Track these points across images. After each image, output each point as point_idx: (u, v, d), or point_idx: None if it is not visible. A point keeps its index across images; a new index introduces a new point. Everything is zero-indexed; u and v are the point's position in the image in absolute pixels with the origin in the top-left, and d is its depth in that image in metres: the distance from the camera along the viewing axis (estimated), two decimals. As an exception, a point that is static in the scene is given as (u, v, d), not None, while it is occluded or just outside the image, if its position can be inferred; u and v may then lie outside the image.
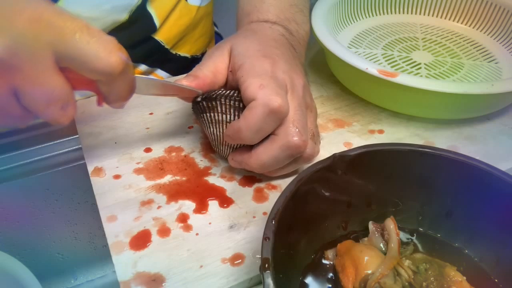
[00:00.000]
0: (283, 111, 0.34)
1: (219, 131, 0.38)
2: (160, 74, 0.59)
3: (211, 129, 0.39)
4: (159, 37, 0.55)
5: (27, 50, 0.27)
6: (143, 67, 0.57)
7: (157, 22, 0.54)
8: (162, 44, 0.56)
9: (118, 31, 0.51)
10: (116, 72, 0.30)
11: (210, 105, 0.37)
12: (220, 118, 0.37)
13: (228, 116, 0.37)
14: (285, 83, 0.37)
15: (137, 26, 0.52)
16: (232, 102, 0.37)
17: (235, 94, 0.37)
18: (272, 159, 0.36)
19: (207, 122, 0.38)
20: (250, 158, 0.37)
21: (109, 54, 0.29)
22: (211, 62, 0.39)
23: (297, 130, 0.35)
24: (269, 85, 0.35)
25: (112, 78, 0.30)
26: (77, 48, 0.28)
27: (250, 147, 0.37)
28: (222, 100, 0.37)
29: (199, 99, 0.38)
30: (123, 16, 0.50)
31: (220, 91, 0.38)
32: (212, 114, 0.38)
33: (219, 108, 0.37)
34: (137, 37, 0.53)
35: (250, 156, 0.37)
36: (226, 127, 0.37)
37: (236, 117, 0.37)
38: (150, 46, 0.55)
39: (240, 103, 0.37)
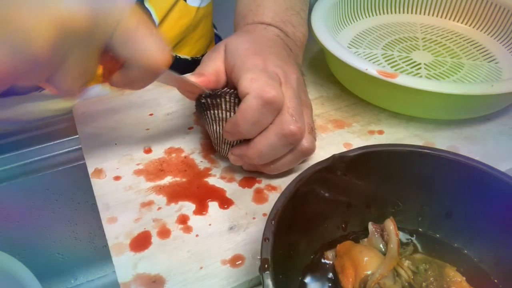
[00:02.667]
0: (278, 101, 0.35)
1: (222, 129, 0.38)
2: None
3: (214, 127, 0.39)
4: None
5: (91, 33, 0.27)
6: None
7: (156, 19, 0.54)
8: None
9: None
10: (163, 68, 0.32)
11: (214, 102, 0.38)
12: (224, 115, 0.38)
13: (232, 113, 0.37)
14: (277, 75, 0.37)
15: None
16: (237, 100, 0.37)
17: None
18: (269, 148, 0.36)
19: (210, 119, 0.39)
20: (248, 149, 0.37)
21: (163, 51, 0.31)
22: (211, 62, 0.39)
23: (292, 117, 0.36)
24: (260, 78, 0.35)
25: (152, 69, 0.32)
26: (136, 40, 0.30)
27: (249, 142, 0.38)
28: (227, 97, 0.37)
29: (203, 96, 0.38)
30: None
31: (224, 89, 0.38)
32: (216, 112, 0.38)
33: (223, 106, 0.37)
34: None
35: (248, 147, 0.37)
36: None
37: None
38: None
39: None
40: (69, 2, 0.26)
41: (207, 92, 0.38)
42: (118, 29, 0.29)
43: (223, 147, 0.40)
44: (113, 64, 0.32)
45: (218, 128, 0.39)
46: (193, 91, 0.39)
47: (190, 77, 0.38)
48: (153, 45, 0.31)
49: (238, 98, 0.37)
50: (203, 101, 0.38)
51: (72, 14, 0.26)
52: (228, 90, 0.38)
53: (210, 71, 0.39)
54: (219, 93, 0.38)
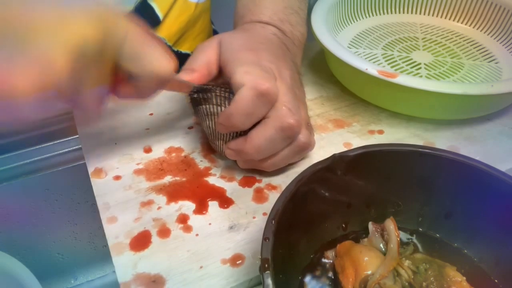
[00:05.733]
0: (272, 93, 0.35)
1: (214, 124, 0.38)
2: None
3: (207, 122, 0.39)
4: (161, 34, 0.56)
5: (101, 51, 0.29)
6: None
7: (160, 15, 0.54)
8: (165, 41, 0.56)
9: None
10: (172, 75, 0.33)
11: (205, 97, 0.38)
12: (215, 110, 0.37)
13: (223, 108, 0.37)
14: (271, 70, 0.37)
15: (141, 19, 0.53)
16: (226, 93, 0.37)
17: (229, 86, 0.37)
18: (267, 142, 0.36)
19: (203, 115, 0.39)
20: (246, 143, 0.37)
21: (169, 60, 0.33)
22: (203, 54, 0.40)
23: (288, 110, 0.36)
24: (254, 71, 0.35)
25: (159, 80, 0.34)
26: (145, 55, 0.31)
27: (245, 136, 0.37)
28: (217, 91, 0.37)
29: (194, 91, 0.38)
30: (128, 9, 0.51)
31: (214, 84, 0.38)
32: (207, 106, 0.38)
33: (214, 100, 0.37)
34: None
35: (245, 141, 0.37)
36: None
37: None
38: None
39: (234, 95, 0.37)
40: (81, 26, 0.27)
41: (197, 86, 0.38)
42: (126, 45, 0.30)
43: (217, 143, 0.40)
44: (116, 77, 0.33)
45: (210, 123, 0.38)
46: (183, 91, 0.39)
47: (181, 75, 0.38)
48: (160, 56, 0.32)
49: (228, 92, 0.37)
50: (194, 96, 0.38)
51: (85, 36, 0.27)
52: (218, 84, 0.38)
53: (202, 65, 0.39)
54: (209, 87, 0.37)
